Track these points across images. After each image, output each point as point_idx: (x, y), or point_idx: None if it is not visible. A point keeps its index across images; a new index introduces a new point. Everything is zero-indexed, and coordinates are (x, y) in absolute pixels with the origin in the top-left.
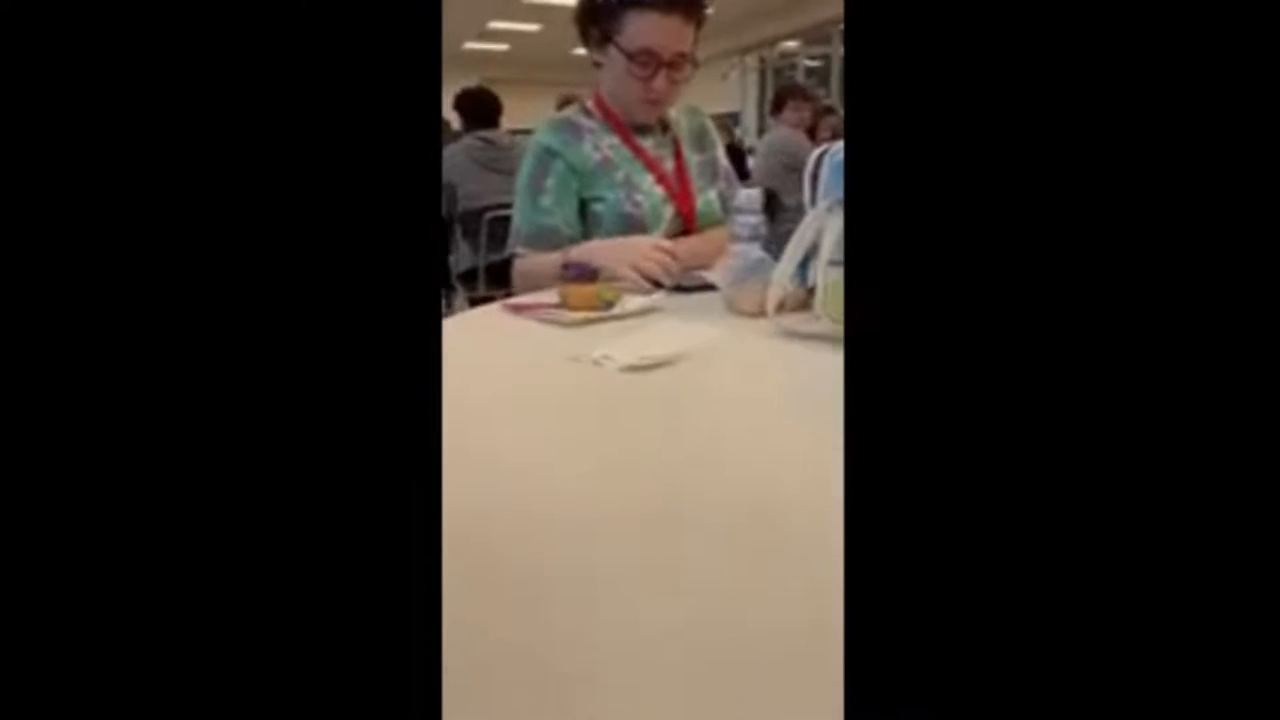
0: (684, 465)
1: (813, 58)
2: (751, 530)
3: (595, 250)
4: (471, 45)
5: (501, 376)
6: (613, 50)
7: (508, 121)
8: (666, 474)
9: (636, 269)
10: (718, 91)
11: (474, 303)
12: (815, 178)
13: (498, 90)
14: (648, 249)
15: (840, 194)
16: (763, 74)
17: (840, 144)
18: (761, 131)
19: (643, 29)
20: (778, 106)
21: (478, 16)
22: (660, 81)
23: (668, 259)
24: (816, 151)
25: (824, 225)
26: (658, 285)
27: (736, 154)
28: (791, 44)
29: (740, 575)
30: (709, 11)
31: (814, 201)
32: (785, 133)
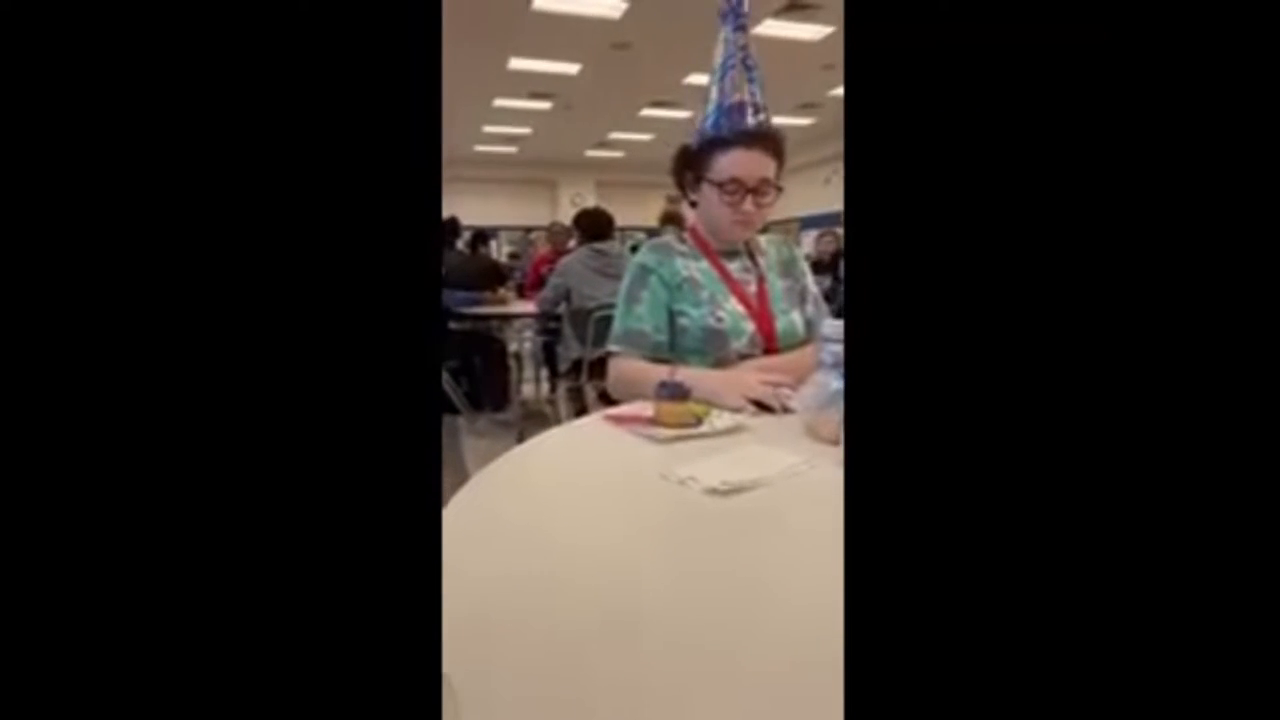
0: (748, 586)
1: None
2: (797, 670)
3: (695, 377)
4: (591, 153)
5: (601, 488)
6: (705, 186)
7: (620, 219)
8: (732, 592)
9: (748, 399)
10: (820, 194)
11: (571, 391)
12: None
13: (612, 191)
14: (754, 380)
15: None
16: None
17: None
18: None
19: (729, 163)
20: None
21: (600, 130)
22: (748, 205)
23: (775, 389)
24: None
25: None
26: (763, 408)
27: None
28: None
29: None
30: (784, 142)
31: None
32: None
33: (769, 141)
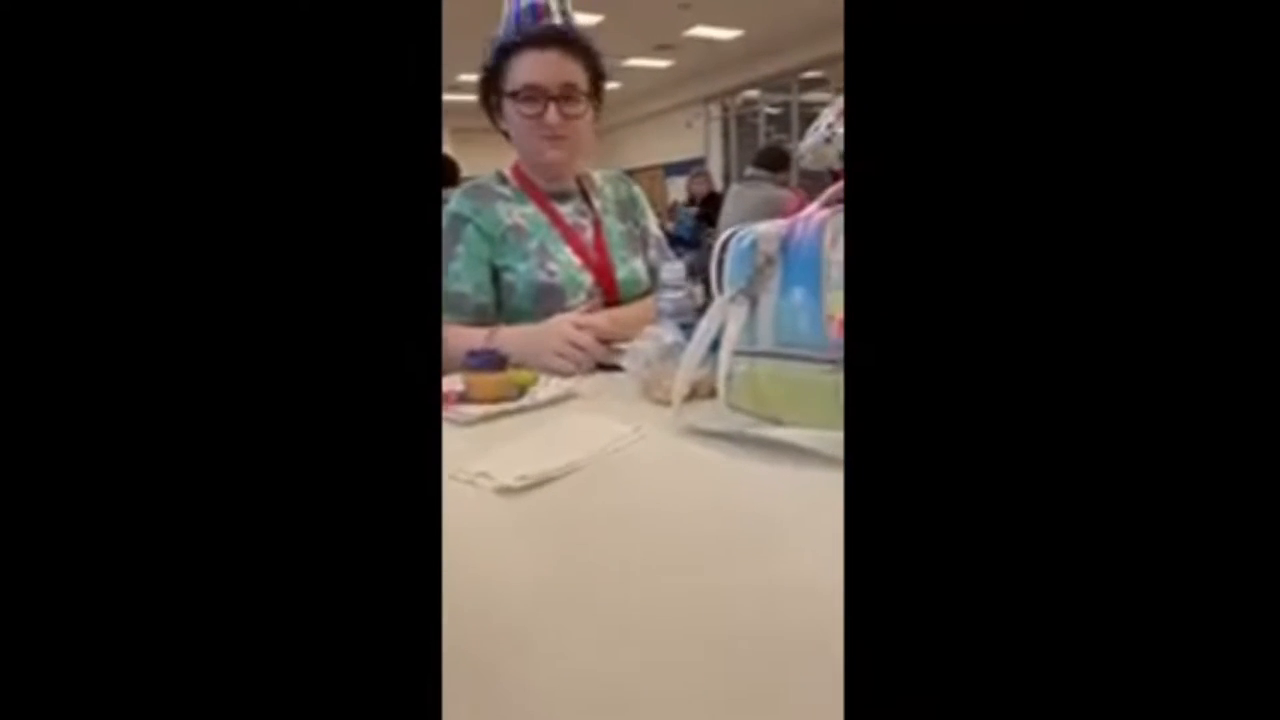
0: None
1: (773, 105)
2: None
3: (511, 338)
4: (443, 97)
5: None
6: (506, 104)
7: (476, 168)
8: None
9: (562, 356)
10: (683, 139)
11: None
12: (720, 264)
13: (466, 139)
14: (568, 334)
15: (744, 283)
16: (725, 121)
17: (746, 229)
18: (728, 177)
19: (522, 68)
20: (781, 166)
21: (449, 70)
22: (553, 115)
23: (589, 343)
24: (722, 236)
25: (728, 316)
26: (604, 368)
27: (716, 201)
28: (753, 93)
29: None
30: (600, 54)
31: (720, 289)
32: (784, 194)
33: (569, 42)
